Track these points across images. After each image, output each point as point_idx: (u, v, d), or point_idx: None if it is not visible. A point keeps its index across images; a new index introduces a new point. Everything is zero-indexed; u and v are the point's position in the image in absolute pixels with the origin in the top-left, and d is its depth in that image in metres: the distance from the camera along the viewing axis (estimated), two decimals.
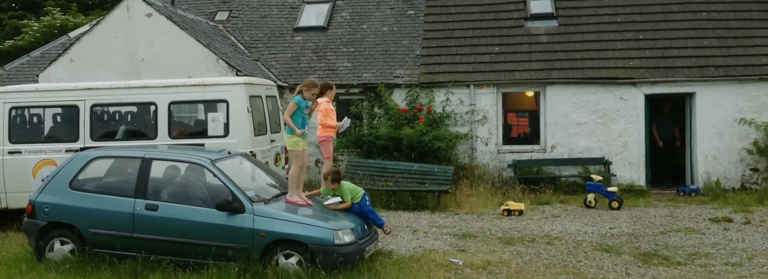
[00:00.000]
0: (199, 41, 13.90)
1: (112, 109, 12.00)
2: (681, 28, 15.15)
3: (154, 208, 8.06)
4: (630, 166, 14.29)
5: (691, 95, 14.34)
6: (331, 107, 9.61)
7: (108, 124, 11.98)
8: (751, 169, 14.00)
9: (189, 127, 12.09)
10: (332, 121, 9.52)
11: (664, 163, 14.87)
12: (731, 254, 8.97)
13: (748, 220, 11.11)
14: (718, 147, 14.11)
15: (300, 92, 8.93)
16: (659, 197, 13.69)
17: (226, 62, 13.70)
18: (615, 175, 14.13)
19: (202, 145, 10.85)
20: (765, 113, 13.89)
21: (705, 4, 15.59)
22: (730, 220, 11.14)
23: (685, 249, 9.30)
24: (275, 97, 13.24)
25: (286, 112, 8.85)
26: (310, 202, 8.55)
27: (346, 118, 9.74)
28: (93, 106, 11.50)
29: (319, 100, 9.35)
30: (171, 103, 11.40)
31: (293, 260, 7.69)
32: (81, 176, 8.60)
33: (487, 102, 14.73)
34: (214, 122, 11.30)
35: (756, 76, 13.94)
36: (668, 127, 14.61)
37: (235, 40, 16.71)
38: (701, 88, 14.16)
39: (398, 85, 14.89)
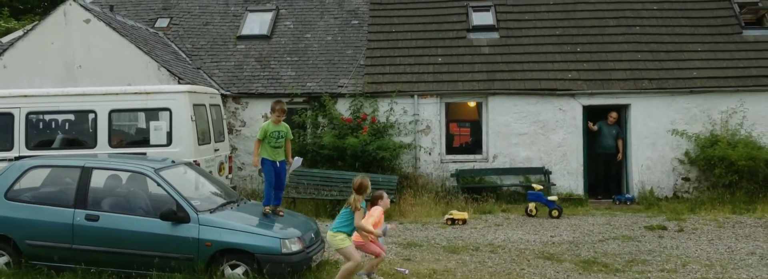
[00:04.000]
0: (140, 48, 13.64)
1: (48, 117, 11.69)
2: (616, 42, 15.65)
3: (95, 219, 7.87)
4: (569, 175, 14.64)
5: (626, 107, 14.81)
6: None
7: (44, 132, 11.66)
8: (682, 179, 14.52)
9: (130, 135, 11.86)
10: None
11: (602, 173, 15.27)
12: (666, 261, 9.28)
13: (681, 228, 11.52)
14: (652, 157, 14.60)
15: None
16: (597, 206, 14.06)
17: (168, 70, 13.48)
18: (554, 185, 14.46)
19: (144, 154, 10.65)
20: (695, 125, 14.46)
21: (639, 18, 16.16)
22: (665, 228, 11.52)
23: (622, 256, 9.58)
24: (219, 105, 13.10)
25: (356, 219, 7.49)
26: None
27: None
28: (28, 113, 11.19)
29: (376, 209, 8.02)
30: (111, 111, 11.17)
31: (239, 270, 7.60)
32: (16, 186, 8.33)
33: (431, 112, 14.89)
34: (157, 131, 11.12)
35: (687, 89, 14.50)
36: (611, 138, 14.94)
37: (176, 48, 16.46)
38: (636, 100, 14.64)
39: (342, 95, 14.92)
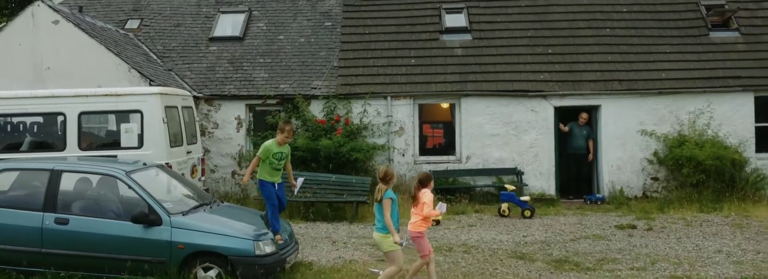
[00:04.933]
0: (110, 50, 13.50)
1: (16, 120, 11.54)
2: (587, 44, 15.83)
3: (65, 222, 7.78)
4: (541, 175, 14.78)
5: (597, 108, 15.00)
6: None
7: (12, 135, 11.49)
8: (651, 179, 14.74)
9: (100, 138, 11.74)
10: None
11: (574, 173, 15.44)
12: (636, 259, 9.42)
13: (650, 227, 11.69)
14: (622, 157, 14.80)
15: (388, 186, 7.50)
16: (568, 206, 14.22)
17: (139, 72, 13.36)
18: (527, 185, 14.59)
19: (115, 156, 10.54)
20: (664, 125, 14.69)
21: (609, 21, 16.36)
22: (634, 227, 11.69)
23: (593, 255, 9.70)
24: (191, 107, 13.01)
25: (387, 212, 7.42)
26: None
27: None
28: None
29: (425, 193, 7.79)
30: (81, 114, 11.05)
31: (212, 273, 7.57)
32: None
33: (404, 113, 14.94)
34: (128, 133, 11.03)
35: (656, 90, 14.73)
36: (582, 138, 15.11)
37: (147, 49, 16.31)
38: (606, 101, 14.83)
39: (316, 97, 14.90)
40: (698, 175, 13.72)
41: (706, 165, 13.58)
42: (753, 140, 14.63)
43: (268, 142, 8.33)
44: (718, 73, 14.96)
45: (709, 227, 11.65)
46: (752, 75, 14.85)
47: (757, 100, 14.77)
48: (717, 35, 15.86)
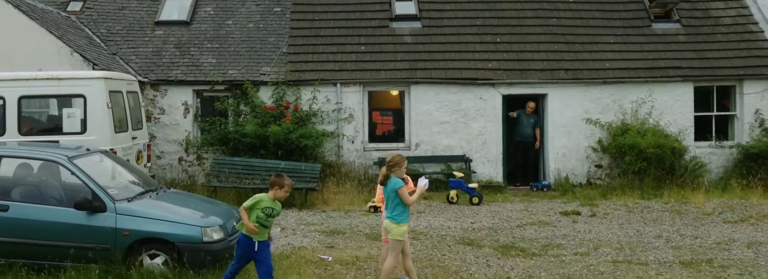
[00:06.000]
0: (51, 32, 13.09)
1: None
2: (534, 33, 16.05)
3: (4, 209, 7.55)
4: (489, 163, 14.98)
5: (543, 96, 15.24)
6: None
7: None
8: (595, 166, 15.09)
9: (41, 123, 11.43)
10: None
11: (521, 161, 15.69)
12: (580, 245, 9.65)
13: (593, 213, 11.99)
14: (568, 145, 15.09)
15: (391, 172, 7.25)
16: (515, 193, 14.46)
17: (81, 55, 13.00)
18: (475, 172, 14.76)
19: (57, 142, 10.26)
20: (608, 114, 15.03)
21: (555, 10, 16.60)
22: (578, 214, 11.97)
23: (539, 241, 9.91)
24: (137, 92, 12.74)
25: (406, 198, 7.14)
26: None
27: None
28: None
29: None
30: (21, 98, 10.72)
31: (159, 260, 7.46)
32: None
33: (354, 100, 14.92)
34: (70, 118, 10.75)
35: (600, 80, 15.04)
36: (529, 126, 15.34)
37: (91, 33, 15.87)
38: (552, 90, 15.09)
39: (265, 83, 14.75)
40: (640, 163, 14.09)
41: (648, 153, 13.95)
42: (692, 129, 15.10)
43: (261, 195, 6.92)
44: (659, 63, 15.36)
45: (650, 213, 12.00)
46: (692, 66, 15.30)
47: (696, 90, 15.23)
48: (659, 27, 16.27)
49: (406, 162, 7.39)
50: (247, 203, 6.82)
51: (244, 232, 6.83)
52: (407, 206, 7.25)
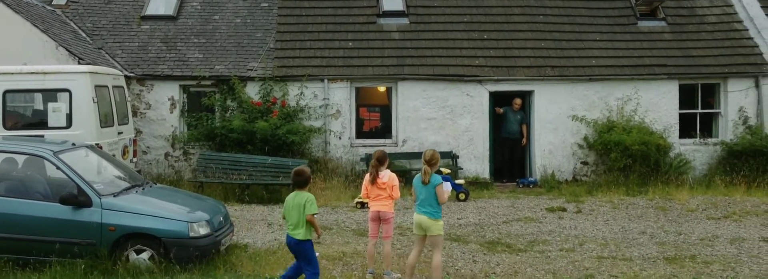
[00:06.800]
0: (36, 26, 13.00)
1: None
2: (521, 30, 16.08)
3: None
4: (475, 159, 15.02)
5: (530, 93, 15.30)
6: None
7: None
8: (581, 163, 15.17)
9: (26, 117, 11.36)
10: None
11: (507, 157, 15.75)
12: (565, 241, 9.72)
13: (579, 210, 12.06)
14: (554, 142, 15.17)
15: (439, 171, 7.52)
16: (501, 189, 14.52)
17: (67, 49, 12.91)
18: (462, 168, 14.81)
19: (42, 136, 10.20)
20: (594, 111, 15.11)
21: (542, 8, 16.64)
22: (564, 210, 12.04)
23: (525, 237, 9.96)
24: (123, 87, 12.68)
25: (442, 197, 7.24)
26: None
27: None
28: None
29: (389, 174, 7.85)
30: (6, 92, 10.65)
31: (145, 255, 7.45)
32: None
33: (341, 96, 14.91)
34: (56, 112, 10.70)
35: (586, 77, 15.12)
36: (515, 123, 15.39)
37: (76, 27, 15.75)
38: (539, 87, 15.15)
39: (252, 78, 14.71)
40: (625, 160, 14.18)
41: (633, 150, 14.04)
42: (677, 126, 15.22)
43: (311, 195, 6.76)
44: (645, 61, 15.46)
45: (635, 210, 12.09)
46: (677, 63, 15.41)
47: (681, 87, 15.36)
48: (644, 24, 16.36)
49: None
50: (316, 207, 6.63)
51: (309, 237, 6.66)
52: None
